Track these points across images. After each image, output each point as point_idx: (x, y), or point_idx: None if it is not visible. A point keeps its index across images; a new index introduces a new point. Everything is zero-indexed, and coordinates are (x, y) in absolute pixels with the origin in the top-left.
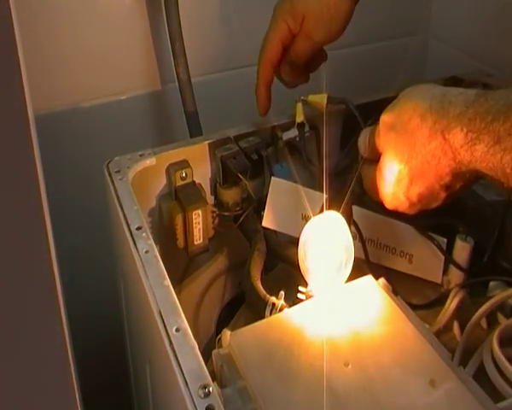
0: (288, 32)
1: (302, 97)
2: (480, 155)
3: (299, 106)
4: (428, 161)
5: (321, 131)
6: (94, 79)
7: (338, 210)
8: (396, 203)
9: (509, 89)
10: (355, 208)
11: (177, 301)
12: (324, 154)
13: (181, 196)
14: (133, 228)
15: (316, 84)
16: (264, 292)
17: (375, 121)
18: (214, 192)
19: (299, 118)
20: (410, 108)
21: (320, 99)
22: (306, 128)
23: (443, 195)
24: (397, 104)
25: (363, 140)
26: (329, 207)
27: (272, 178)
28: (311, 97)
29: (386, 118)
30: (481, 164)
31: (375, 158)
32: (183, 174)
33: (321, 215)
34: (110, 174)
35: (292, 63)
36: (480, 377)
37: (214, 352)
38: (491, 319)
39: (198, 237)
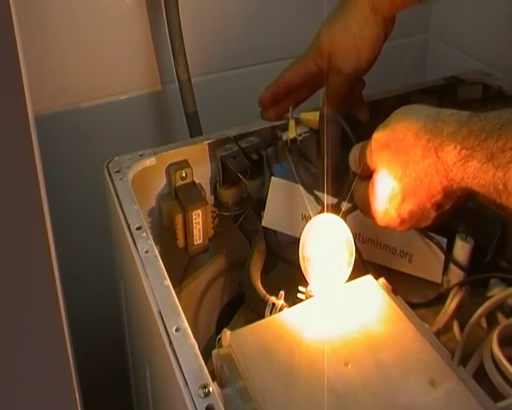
0: (314, 68)
1: (294, 115)
2: (473, 171)
3: (292, 123)
4: (421, 179)
5: (321, 132)
6: (94, 79)
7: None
8: (387, 220)
9: (500, 110)
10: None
11: (177, 301)
12: (325, 154)
13: (181, 196)
14: (133, 228)
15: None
16: (264, 292)
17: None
18: (214, 192)
19: (292, 134)
20: (404, 126)
21: (312, 117)
22: (306, 128)
23: (433, 214)
24: (390, 123)
25: (353, 156)
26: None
27: (272, 178)
28: (303, 115)
29: (379, 136)
30: (473, 181)
31: (366, 174)
32: (183, 174)
33: (321, 215)
34: (110, 174)
35: (333, 102)
36: (480, 377)
37: (214, 352)
38: (491, 318)
39: (198, 237)
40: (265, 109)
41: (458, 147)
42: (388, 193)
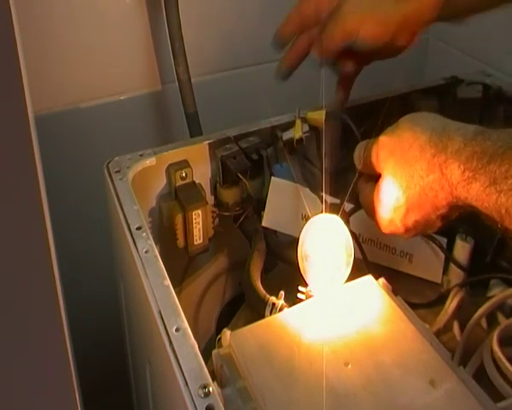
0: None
1: (301, 115)
2: (476, 193)
3: (298, 123)
4: (426, 193)
5: (321, 132)
6: (94, 79)
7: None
8: (392, 228)
9: (506, 131)
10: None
11: (177, 301)
12: (324, 154)
13: (181, 196)
14: (133, 228)
15: (315, 90)
16: (264, 292)
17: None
18: (214, 192)
19: (298, 133)
20: (410, 137)
21: (318, 115)
22: (306, 128)
23: (439, 224)
24: (397, 129)
25: (358, 154)
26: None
27: (272, 178)
28: (310, 114)
29: (385, 140)
30: (477, 202)
31: (371, 173)
32: (183, 174)
33: (321, 215)
34: (110, 174)
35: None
36: (480, 377)
37: (214, 352)
38: (491, 319)
39: (198, 237)
40: (284, 50)
41: (462, 167)
42: (393, 203)
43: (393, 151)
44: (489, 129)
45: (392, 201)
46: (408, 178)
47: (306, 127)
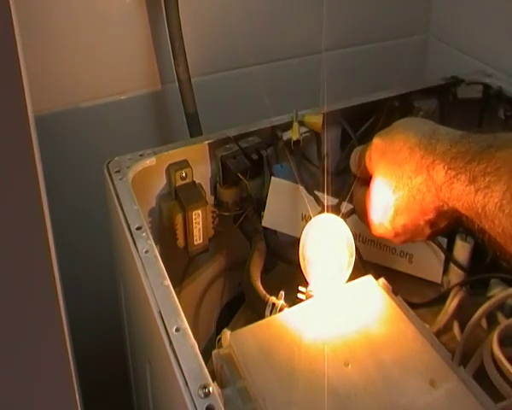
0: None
1: (299, 118)
2: (457, 193)
3: (296, 125)
4: (414, 195)
5: (321, 132)
6: (94, 79)
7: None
8: (382, 231)
9: (490, 133)
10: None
11: (177, 301)
12: (325, 154)
13: (181, 196)
14: (133, 228)
15: (315, 88)
16: (264, 292)
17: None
18: (214, 192)
19: (296, 136)
20: (401, 139)
21: (316, 119)
22: (306, 128)
23: (428, 231)
24: (390, 132)
25: (354, 158)
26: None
27: (272, 178)
28: (308, 118)
29: (378, 142)
30: (458, 203)
31: (365, 176)
32: (183, 174)
33: (321, 215)
34: (110, 174)
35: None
36: (480, 377)
37: (214, 352)
38: (491, 319)
39: (198, 237)
40: None
41: (446, 167)
42: (383, 204)
43: (385, 153)
44: (473, 134)
45: (381, 202)
46: (397, 179)
47: (305, 128)
